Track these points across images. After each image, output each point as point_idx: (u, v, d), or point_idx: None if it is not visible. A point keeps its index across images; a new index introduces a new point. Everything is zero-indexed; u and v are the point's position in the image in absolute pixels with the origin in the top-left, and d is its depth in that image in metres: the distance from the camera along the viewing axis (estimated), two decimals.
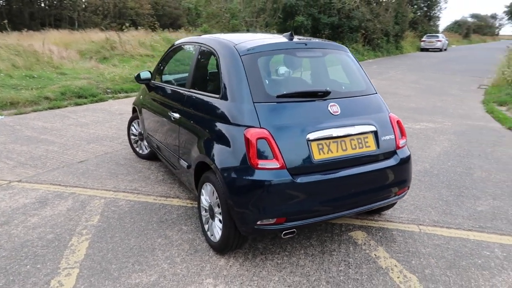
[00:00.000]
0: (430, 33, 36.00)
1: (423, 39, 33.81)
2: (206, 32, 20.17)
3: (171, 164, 3.77)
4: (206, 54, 3.30)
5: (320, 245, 3.06)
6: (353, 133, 2.80)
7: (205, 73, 3.37)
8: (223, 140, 2.72)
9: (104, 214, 3.50)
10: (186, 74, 4.14)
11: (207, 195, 2.96)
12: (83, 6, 45.90)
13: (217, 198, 2.79)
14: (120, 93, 9.75)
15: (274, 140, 2.55)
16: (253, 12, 21.72)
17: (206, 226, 3.05)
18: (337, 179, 2.67)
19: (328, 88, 2.86)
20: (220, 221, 2.81)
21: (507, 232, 3.33)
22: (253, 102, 2.66)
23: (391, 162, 2.93)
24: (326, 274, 2.70)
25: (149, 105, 4.24)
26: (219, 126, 2.80)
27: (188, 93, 3.32)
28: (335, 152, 2.71)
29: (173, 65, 4.38)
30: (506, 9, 55.24)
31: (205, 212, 3.05)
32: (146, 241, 3.08)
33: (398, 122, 3.09)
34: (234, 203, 2.57)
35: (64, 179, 4.27)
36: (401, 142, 3.05)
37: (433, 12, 40.11)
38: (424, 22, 38.09)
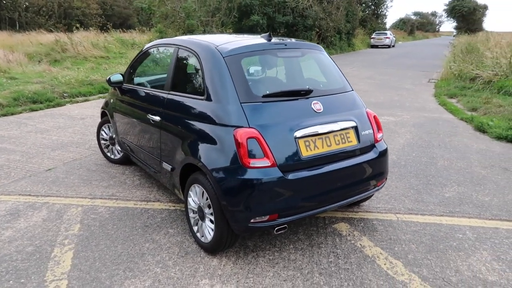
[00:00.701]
0: (378, 31, 37.50)
1: (372, 36, 35.19)
2: (161, 32, 19.79)
3: (151, 167, 3.72)
4: (186, 56, 3.28)
5: (307, 239, 3.15)
6: (336, 129, 2.91)
7: (186, 75, 3.35)
8: (212, 141, 2.74)
9: (84, 222, 3.39)
10: (162, 76, 4.10)
11: (196, 197, 2.96)
12: (24, 6, 43.40)
13: (207, 199, 2.80)
14: (78, 96, 9.37)
15: (263, 138, 2.60)
16: (208, 11, 21.57)
17: (195, 228, 3.04)
18: (324, 174, 2.76)
19: (309, 87, 2.96)
20: (211, 221, 2.82)
21: (474, 215, 3.59)
22: (240, 103, 2.70)
23: (371, 155, 3.07)
24: (317, 266, 2.79)
25: (123, 108, 4.14)
26: (206, 127, 2.81)
27: (169, 95, 3.29)
28: (321, 148, 2.81)
29: (146, 67, 4.30)
30: (445, 7, 58.66)
31: (193, 213, 3.05)
32: (133, 246, 3.02)
33: (374, 117, 3.25)
34: (227, 202, 2.59)
35: (33, 189, 4.08)
36: (379, 136, 3.20)
37: (380, 10, 41.82)
38: (373, 20, 39.62)
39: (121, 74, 4.12)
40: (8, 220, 3.42)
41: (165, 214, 3.54)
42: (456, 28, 57.40)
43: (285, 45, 3.20)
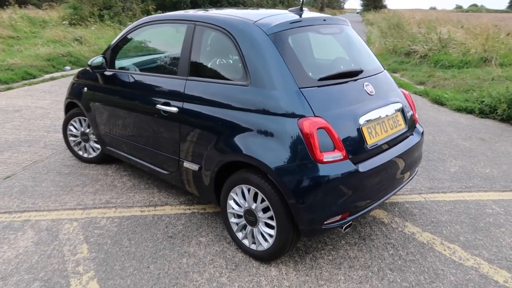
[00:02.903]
0: (292, 8, 38.05)
1: None
2: (75, 8, 17.78)
3: (159, 167, 3.17)
4: (209, 35, 2.76)
5: (354, 232, 2.94)
6: (390, 113, 2.69)
7: (213, 58, 2.84)
8: (267, 134, 2.34)
9: (90, 241, 2.78)
10: (157, 57, 3.52)
11: (241, 199, 2.55)
12: None
13: (263, 202, 2.42)
14: None
15: (333, 128, 2.28)
16: None
17: (239, 234, 2.65)
18: (387, 162, 2.54)
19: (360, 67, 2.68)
20: (268, 226, 2.46)
21: (488, 189, 3.67)
22: (299, 88, 2.33)
23: (416, 137, 2.92)
24: (383, 262, 2.59)
25: (108, 98, 3.45)
26: (255, 118, 2.39)
27: (189, 81, 2.77)
28: (380, 134, 2.58)
29: (134, 48, 3.64)
30: None
31: (236, 218, 2.65)
32: (169, 264, 2.54)
33: (410, 96, 3.09)
34: (299, 205, 2.24)
35: (1, 204, 3.27)
36: (416, 116, 3.06)
37: None
38: None
39: (103, 57, 3.41)
40: None
41: (184, 220, 3.06)
42: (363, 5, 60.78)
43: (324, 20, 2.86)
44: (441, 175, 3.95)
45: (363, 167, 2.37)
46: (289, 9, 2.94)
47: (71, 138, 4.11)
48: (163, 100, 2.92)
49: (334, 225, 2.36)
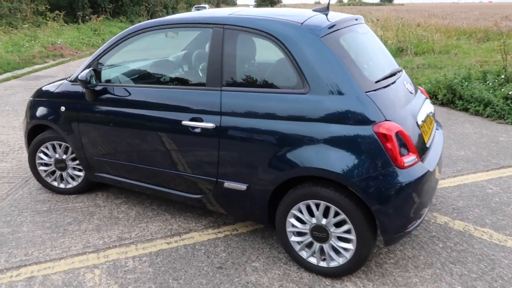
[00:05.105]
0: (197, 5, 37.84)
1: (193, 10, 35.26)
2: None
3: (184, 191, 2.80)
4: (246, 40, 2.47)
5: None
6: (431, 110, 2.75)
7: (254, 65, 2.56)
8: (339, 144, 2.19)
9: None
10: (170, 66, 3.13)
11: (307, 216, 2.37)
12: None
13: (336, 216, 2.27)
14: None
15: (406, 131, 2.23)
16: None
17: (303, 253, 2.46)
18: (439, 159, 2.58)
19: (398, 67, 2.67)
20: (341, 239, 2.33)
21: (473, 170, 3.99)
22: (365, 92, 2.23)
23: (441, 131, 3.02)
24: (440, 256, 2.64)
25: (104, 118, 2.93)
26: (321, 128, 2.23)
27: (226, 92, 2.47)
28: (428, 132, 2.61)
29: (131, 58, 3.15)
30: None
31: (297, 236, 2.46)
32: None
33: (425, 91, 3.18)
34: (388, 213, 2.15)
35: None
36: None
37: None
38: None
39: (94, 70, 2.89)
40: None
41: (223, 246, 2.76)
42: (259, 1, 62.51)
43: (356, 19, 2.77)
44: None
45: (429, 166, 2.36)
46: (314, 9, 2.80)
47: (41, 168, 3.44)
48: (190, 116, 2.57)
49: (411, 229, 2.33)
